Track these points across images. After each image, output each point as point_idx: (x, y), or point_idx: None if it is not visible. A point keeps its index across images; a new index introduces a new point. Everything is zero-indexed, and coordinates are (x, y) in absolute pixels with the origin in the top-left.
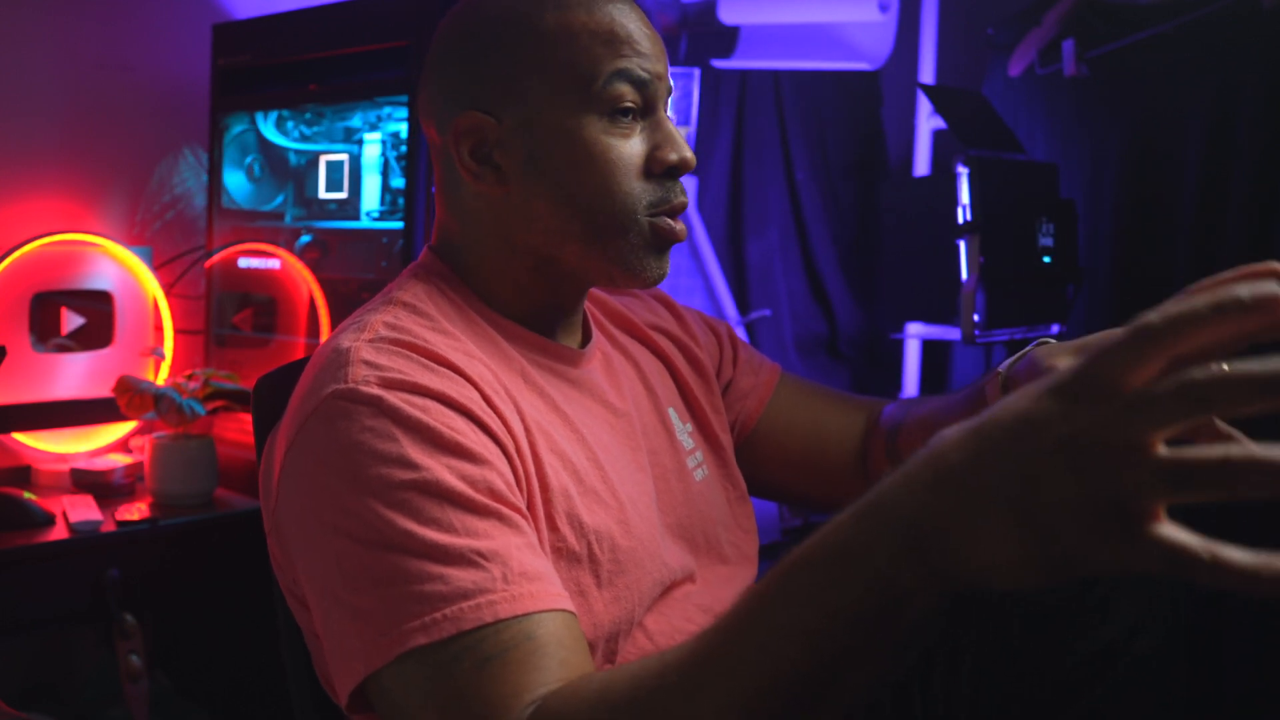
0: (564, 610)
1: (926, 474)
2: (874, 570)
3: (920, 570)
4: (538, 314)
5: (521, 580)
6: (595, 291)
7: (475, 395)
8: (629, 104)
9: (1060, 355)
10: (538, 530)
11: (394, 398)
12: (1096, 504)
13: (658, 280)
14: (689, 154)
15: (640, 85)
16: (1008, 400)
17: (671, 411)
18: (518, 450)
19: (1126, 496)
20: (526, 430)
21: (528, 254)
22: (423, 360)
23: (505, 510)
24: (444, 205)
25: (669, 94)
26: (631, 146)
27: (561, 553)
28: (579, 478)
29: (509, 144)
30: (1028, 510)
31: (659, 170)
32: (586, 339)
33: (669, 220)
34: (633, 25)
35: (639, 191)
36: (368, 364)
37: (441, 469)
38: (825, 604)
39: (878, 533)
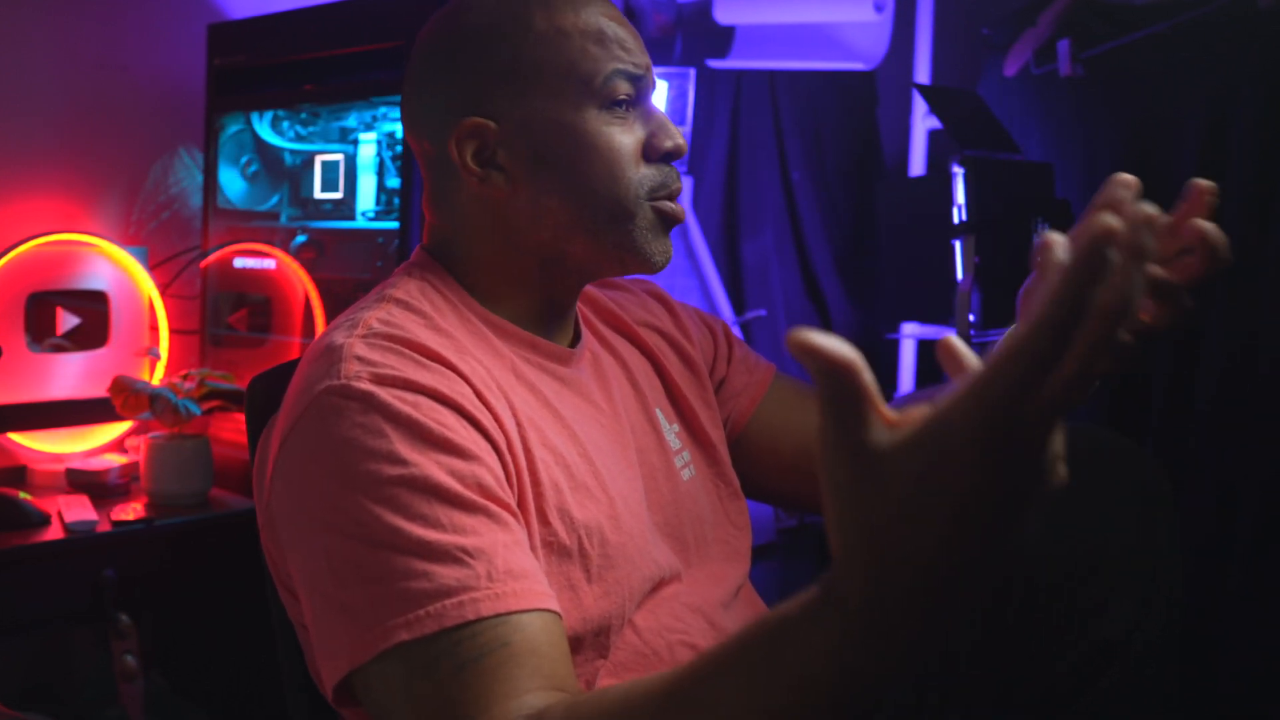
0: (547, 610)
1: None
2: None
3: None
4: (532, 313)
5: (506, 578)
6: (588, 290)
7: (467, 390)
8: (624, 96)
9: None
10: (528, 524)
11: (385, 393)
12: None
13: (665, 262)
14: (681, 140)
15: (634, 79)
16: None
17: (658, 411)
18: (509, 445)
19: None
20: (518, 424)
21: (534, 252)
22: (415, 356)
23: (493, 507)
24: (437, 213)
25: (653, 85)
26: (630, 135)
27: (552, 547)
28: (570, 472)
29: (512, 145)
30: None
31: (656, 156)
32: (576, 339)
33: (669, 203)
34: (618, 24)
35: (640, 177)
36: (360, 360)
37: (430, 465)
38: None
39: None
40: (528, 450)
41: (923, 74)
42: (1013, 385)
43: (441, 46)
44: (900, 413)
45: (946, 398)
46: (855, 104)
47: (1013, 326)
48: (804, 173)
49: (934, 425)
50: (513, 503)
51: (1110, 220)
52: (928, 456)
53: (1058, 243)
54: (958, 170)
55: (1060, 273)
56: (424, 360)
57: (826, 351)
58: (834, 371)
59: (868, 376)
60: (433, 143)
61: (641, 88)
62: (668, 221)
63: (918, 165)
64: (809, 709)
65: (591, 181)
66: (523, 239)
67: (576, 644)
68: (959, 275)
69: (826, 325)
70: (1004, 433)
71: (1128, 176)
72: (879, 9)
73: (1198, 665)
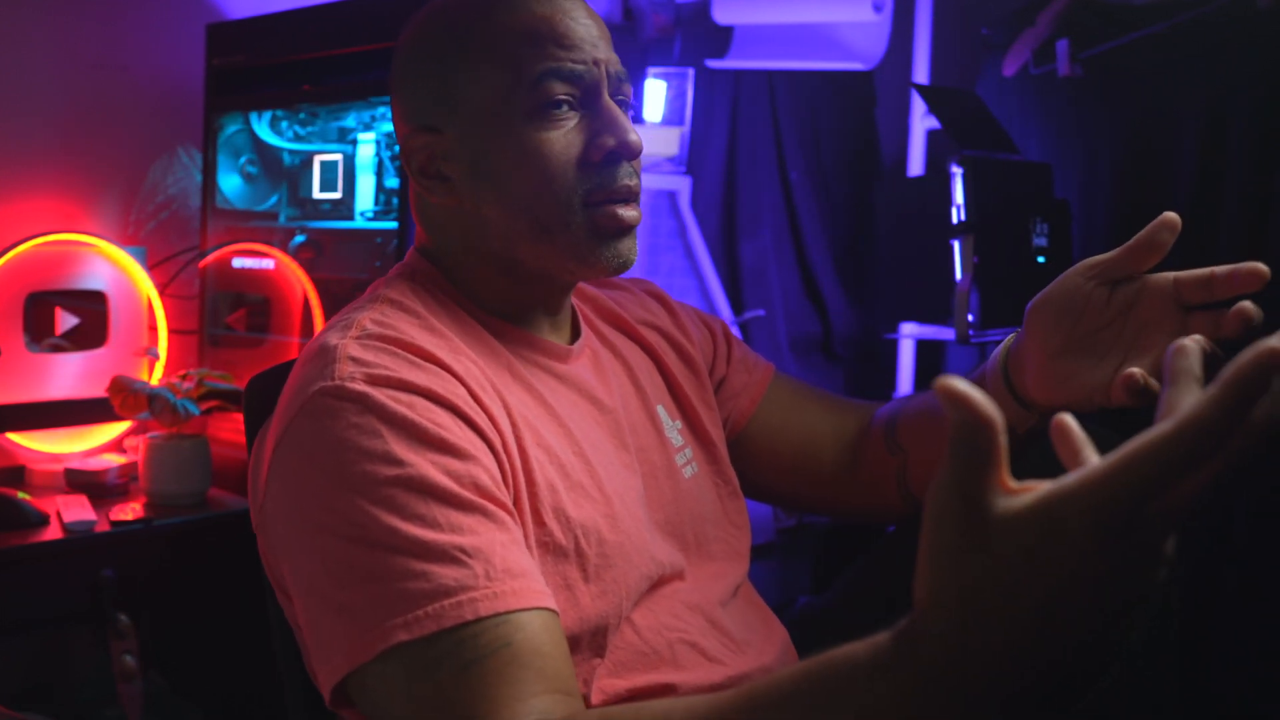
0: (546, 609)
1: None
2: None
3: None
4: (521, 312)
5: (505, 577)
6: (586, 288)
7: (461, 391)
8: (564, 97)
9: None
10: (524, 525)
11: (380, 394)
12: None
13: (620, 267)
14: (630, 137)
15: (572, 79)
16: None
17: (660, 409)
18: (504, 445)
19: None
20: (513, 425)
21: (492, 259)
22: (409, 356)
23: (490, 506)
24: (418, 216)
25: (617, 75)
26: (566, 138)
27: (548, 547)
28: (565, 472)
29: (453, 155)
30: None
31: (597, 157)
32: (576, 336)
33: (612, 208)
34: (558, 18)
35: (574, 181)
36: (354, 361)
37: (426, 465)
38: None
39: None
40: (523, 450)
41: (921, 74)
42: (1144, 484)
43: (402, 58)
44: (1021, 482)
45: (1073, 478)
46: (854, 104)
47: (1152, 429)
48: (802, 173)
49: (1054, 502)
50: (509, 502)
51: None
52: (1040, 531)
53: (1191, 351)
54: (956, 170)
55: (1220, 387)
56: (418, 360)
57: (975, 404)
58: (975, 425)
59: (1004, 439)
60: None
61: (585, 85)
62: (607, 229)
63: (916, 165)
64: None
65: (523, 190)
66: (479, 246)
67: (574, 644)
68: (957, 275)
69: (825, 325)
70: (1124, 527)
71: (1173, 218)
72: (877, 9)
73: (1196, 665)
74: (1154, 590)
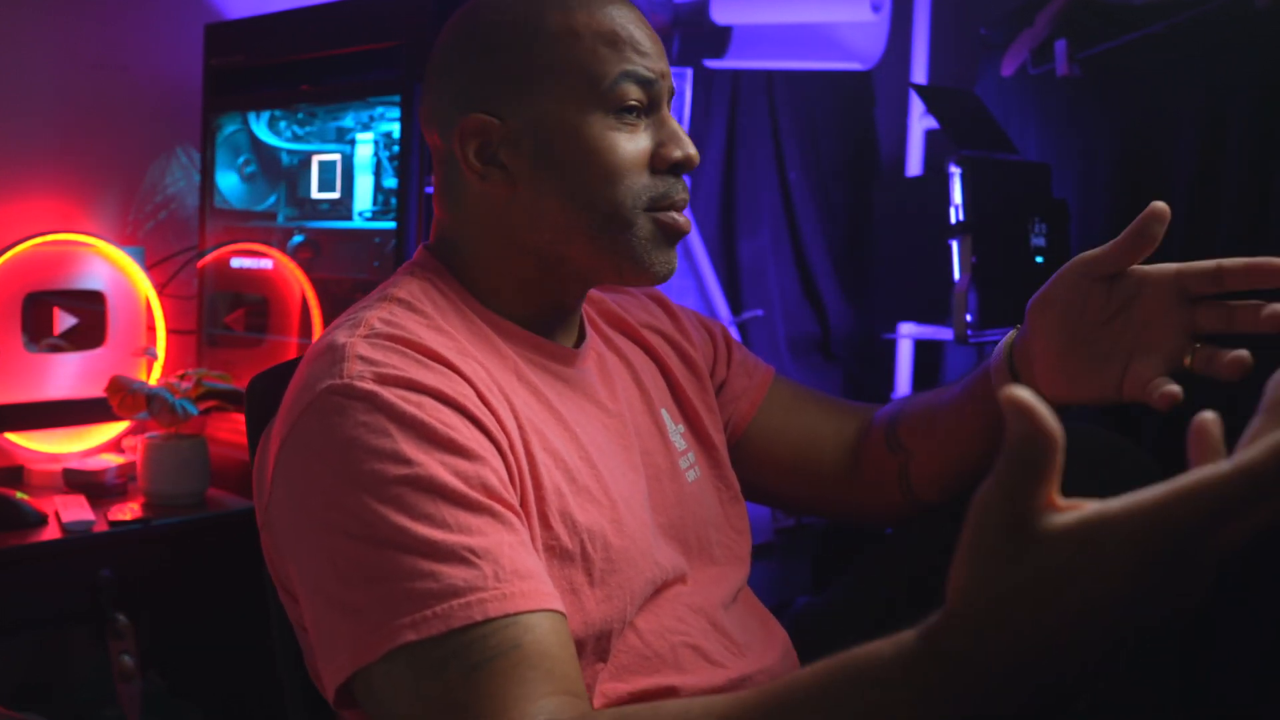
0: (554, 610)
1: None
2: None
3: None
4: (536, 313)
5: (513, 578)
6: (591, 291)
7: (470, 392)
8: (634, 102)
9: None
10: (531, 528)
11: (389, 393)
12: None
13: (667, 275)
14: (693, 151)
15: (645, 84)
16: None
17: (664, 412)
18: (511, 447)
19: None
20: (520, 428)
21: (534, 253)
22: (418, 356)
23: (498, 507)
24: (445, 209)
25: (671, 93)
26: (637, 143)
27: (554, 551)
28: (571, 476)
29: (516, 144)
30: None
31: (663, 166)
32: (581, 339)
33: (673, 215)
34: (634, 26)
35: (642, 187)
36: (363, 359)
37: (435, 465)
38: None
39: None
40: (529, 453)
41: (920, 74)
42: (1190, 522)
43: (457, 41)
44: (1069, 500)
45: (1119, 504)
46: (852, 104)
47: (1214, 465)
48: (801, 172)
49: (1097, 525)
50: (516, 503)
51: None
52: (1080, 553)
53: None
54: (955, 170)
55: None
56: (426, 361)
57: (1039, 417)
58: (1036, 438)
59: (1061, 457)
60: (442, 137)
61: (654, 93)
62: (669, 234)
63: (915, 165)
64: None
65: (590, 187)
66: (523, 239)
67: (578, 648)
68: (956, 275)
69: (823, 325)
70: (1164, 559)
71: (1163, 207)
72: (876, 9)
73: (1194, 664)
74: (1185, 613)
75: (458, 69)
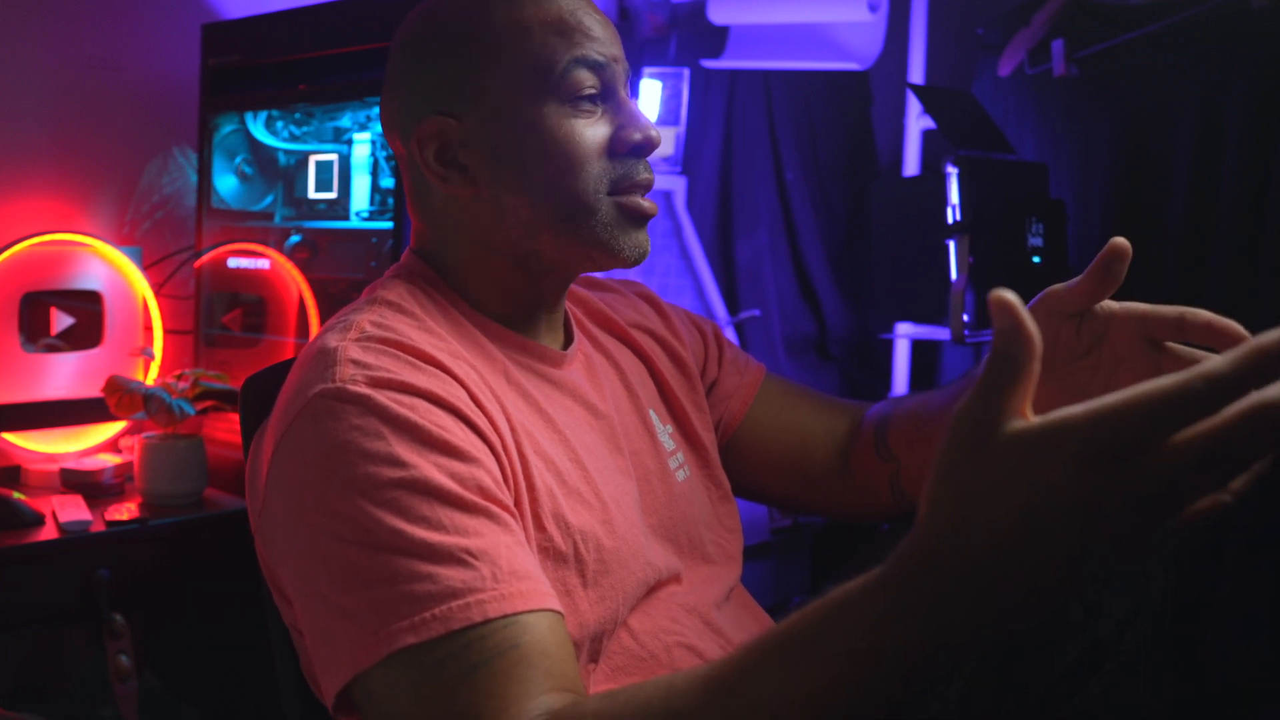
0: (551, 610)
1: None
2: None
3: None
4: (520, 313)
5: (511, 579)
6: (578, 290)
7: (462, 394)
8: (589, 89)
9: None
10: (525, 529)
11: (382, 396)
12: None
13: (639, 257)
14: (653, 133)
15: (598, 69)
16: (1021, 475)
17: (652, 413)
18: (504, 449)
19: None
20: (512, 429)
21: (506, 251)
22: (410, 359)
23: (494, 508)
24: (417, 214)
25: (627, 75)
26: (594, 129)
27: (548, 552)
28: (562, 478)
29: (473, 143)
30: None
31: (623, 150)
32: (569, 341)
33: (635, 198)
34: (582, 12)
35: (601, 172)
36: (355, 363)
37: (430, 467)
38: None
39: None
40: (522, 455)
41: (917, 74)
42: (1139, 423)
43: (409, 44)
44: (1042, 417)
45: (1080, 407)
46: (849, 104)
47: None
48: (798, 172)
49: (1057, 425)
50: (511, 505)
51: None
52: (1035, 450)
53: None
54: (951, 170)
55: (1244, 350)
56: (418, 363)
57: (1024, 321)
58: (1016, 338)
59: (1038, 365)
60: (404, 142)
61: (608, 77)
62: (633, 216)
63: (912, 165)
64: (854, 687)
65: (550, 179)
66: (493, 238)
67: (574, 649)
68: (953, 275)
69: (820, 325)
70: (1109, 459)
71: (1123, 245)
72: (873, 9)
73: (1191, 664)
74: (1140, 549)
75: (412, 73)
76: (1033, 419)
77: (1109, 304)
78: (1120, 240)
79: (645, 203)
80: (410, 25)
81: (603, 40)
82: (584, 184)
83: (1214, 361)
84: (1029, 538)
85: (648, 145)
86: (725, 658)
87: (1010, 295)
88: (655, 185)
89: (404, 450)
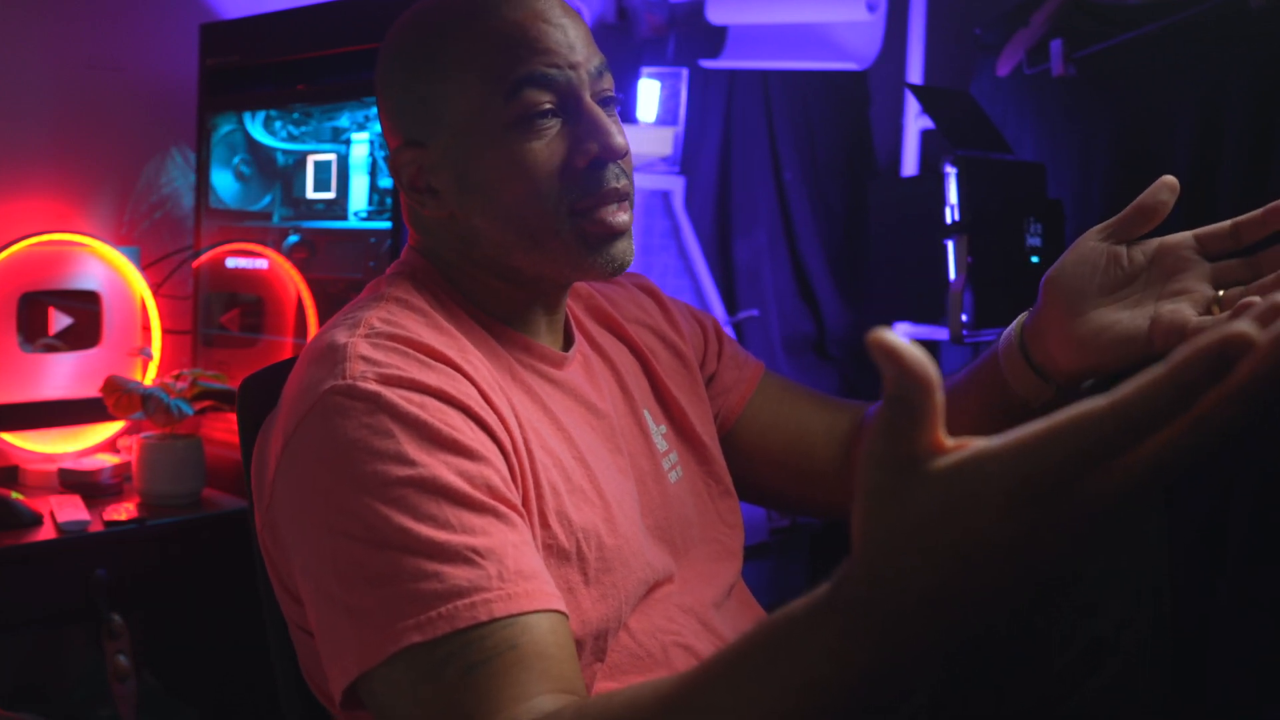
0: (555, 611)
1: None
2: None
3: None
4: (520, 315)
5: (517, 579)
6: (580, 286)
7: (473, 391)
8: (545, 105)
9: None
10: (531, 527)
11: (392, 394)
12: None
13: (616, 270)
14: (614, 140)
15: (550, 84)
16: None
17: (646, 413)
18: (514, 446)
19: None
20: (520, 426)
21: (489, 267)
22: (420, 356)
23: (502, 507)
24: (411, 224)
25: (594, 71)
26: (549, 147)
27: (552, 550)
28: (566, 475)
29: (440, 168)
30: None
31: (583, 164)
32: (569, 342)
33: (600, 214)
34: (531, 23)
35: (560, 191)
36: (365, 360)
37: (439, 465)
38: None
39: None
40: (529, 452)
41: (915, 74)
42: (1066, 459)
43: (380, 73)
44: (958, 439)
45: (999, 441)
46: (848, 104)
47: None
48: (796, 172)
49: (977, 462)
50: (519, 503)
51: (1249, 331)
52: (960, 489)
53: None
54: (950, 170)
55: (1168, 369)
56: (429, 360)
57: (908, 360)
58: (909, 380)
59: (940, 396)
60: (389, 162)
61: (564, 91)
62: (599, 236)
63: (910, 165)
64: (815, 710)
65: (509, 204)
66: (475, 255)
67: (577, 648)
68: (951, 275)
69: (819, 325)
70: (1040, 497)
71: (1172, 180)
72: (871, 9)
73: (1190, 664)
74: (1089, 548)
75: (385, 97)
76: (950, 451)
77: (1154, 237)
78: (1170, 177)
79: (613, 218)
80: (381, 52)
81: (556, 49)
82: (543, 206)
83: (1137, 387)
84: (967, 570)
85: (608, 154)
86: (682, 675)
87: (887, 335)
88: (654, 186)
89: (413, 449)
